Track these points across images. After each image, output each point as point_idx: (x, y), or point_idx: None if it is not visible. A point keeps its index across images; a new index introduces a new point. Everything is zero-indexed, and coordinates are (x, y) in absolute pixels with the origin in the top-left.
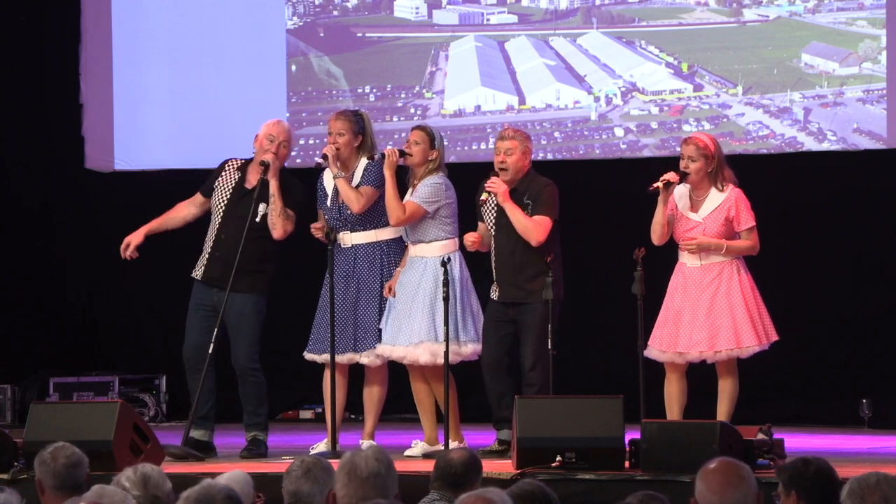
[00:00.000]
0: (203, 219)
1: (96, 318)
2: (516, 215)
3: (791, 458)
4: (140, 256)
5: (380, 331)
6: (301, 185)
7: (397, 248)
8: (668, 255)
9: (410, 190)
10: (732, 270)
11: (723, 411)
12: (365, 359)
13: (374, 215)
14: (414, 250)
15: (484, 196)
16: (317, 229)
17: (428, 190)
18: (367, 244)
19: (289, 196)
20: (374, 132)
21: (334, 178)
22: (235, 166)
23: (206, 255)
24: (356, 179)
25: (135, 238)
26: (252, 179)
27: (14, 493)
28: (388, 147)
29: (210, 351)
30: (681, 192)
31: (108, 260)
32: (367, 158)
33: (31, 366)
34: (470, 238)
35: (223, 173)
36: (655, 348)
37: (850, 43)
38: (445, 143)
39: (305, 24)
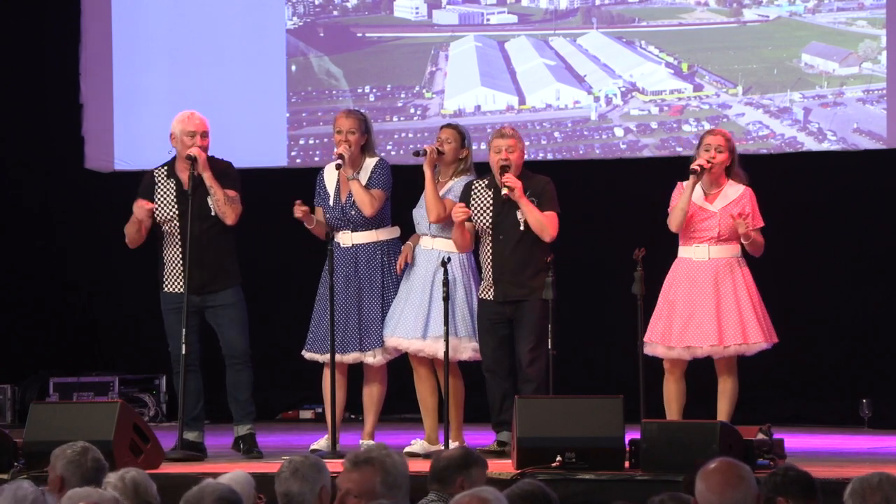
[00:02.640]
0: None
1: (96, 318)
2: (533, 212)
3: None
4: (140, 256)
5: (382, 330)
6: (230, 163)
7: (396, 248)
8: (667, 254)
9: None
10: (737, 266)
11: (723, 411)
12: (370, 358)
13: (376, 215)
14: (433, 243)
15: (506, 191)
16: (299, 207)
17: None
18: (368, 244)
19: (225, 179)
20: (375, 132)
21: (349, 179)
22: (164, 174)
23: (179, 267)
24: (363, 181)
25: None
26: (186, 179)
27: (31, 483)
28: (427, 144)
29: (183, 353)
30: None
31: (108, 260)
32: (373, 158)
33: (31, 366)
34: (461, 209)
35: (157, 186)
36: (659, 344)
37: (850, 43)
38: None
39: (305, 24)
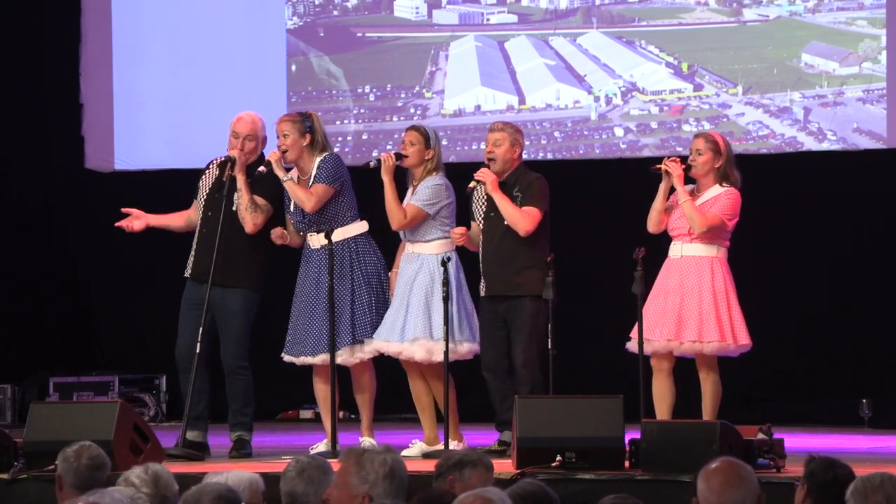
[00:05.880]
0: None
1: (96, 318)
2: (504, 205)
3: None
4: (140, 256)
5: (353, 329)
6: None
7: (365, 243)
8: (666, 253)
9: (410, 190)
10: (707, 266)
11: (707, 410)
12: (339, 358)
13: (336, 213)
14: (411, 247)
15: (472, 184)
16: (276, 236)
17: (429, 192)
18: (337, 242)
19: (259, 187)
20: (375, 131)
21: (282, 181)
22: (216, 164)
23: (192, 253)
24: (312, 179)
25: (140, 219)
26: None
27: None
28: (384, 152)
29: (198, 350)
30: (689, 189)
31: (109, 260)
32: (321, 155)
33: (31, 366)
34: (457, 232)
35: (205, 173)
36: (633, 338)
37: (850, 43)
38: (445, 143)
39: (305, 24)
